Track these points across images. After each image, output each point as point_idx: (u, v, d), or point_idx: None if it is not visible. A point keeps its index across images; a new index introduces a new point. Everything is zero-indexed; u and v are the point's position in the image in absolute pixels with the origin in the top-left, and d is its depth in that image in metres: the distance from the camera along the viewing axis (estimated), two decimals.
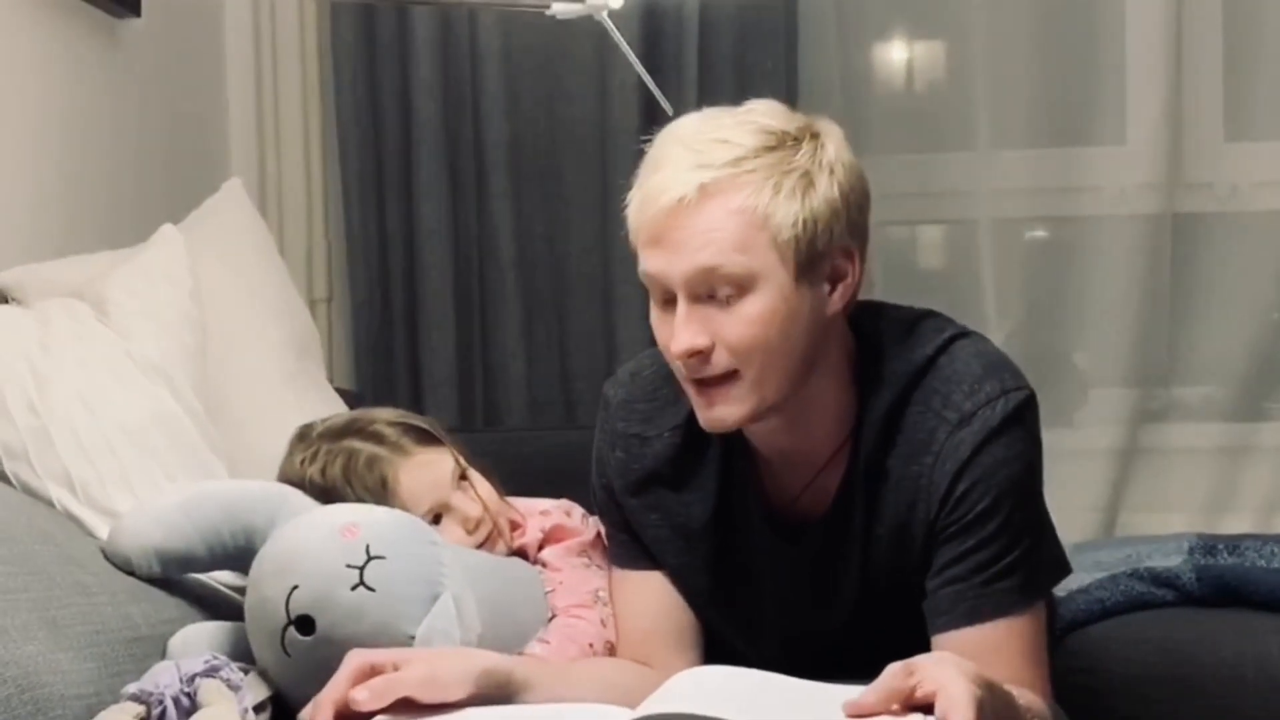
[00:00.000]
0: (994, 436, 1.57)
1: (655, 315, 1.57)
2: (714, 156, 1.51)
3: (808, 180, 1.52)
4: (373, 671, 1.40)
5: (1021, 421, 1.58)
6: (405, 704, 1.40)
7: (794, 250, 1.51)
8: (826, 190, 1.53)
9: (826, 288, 1.56)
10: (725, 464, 1.68)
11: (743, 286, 1.51)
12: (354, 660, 1.41)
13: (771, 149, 1.52)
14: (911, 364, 1.61)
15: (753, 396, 1.55)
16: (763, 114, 1.57)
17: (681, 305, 1.53)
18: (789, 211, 1.50)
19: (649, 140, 1.59)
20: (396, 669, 1.41)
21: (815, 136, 1.55)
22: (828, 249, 1.54)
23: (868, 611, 1.66)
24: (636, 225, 1.55)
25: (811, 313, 1.55)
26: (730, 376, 1.54)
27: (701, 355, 1.53)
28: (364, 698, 1.37)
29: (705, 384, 1.56)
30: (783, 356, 1.54)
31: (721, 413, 1.57)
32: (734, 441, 1.66)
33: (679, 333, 1.53)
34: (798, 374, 1.56)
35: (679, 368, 1.56)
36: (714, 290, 1.52)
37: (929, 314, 1.68)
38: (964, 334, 1.65)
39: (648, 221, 1.53)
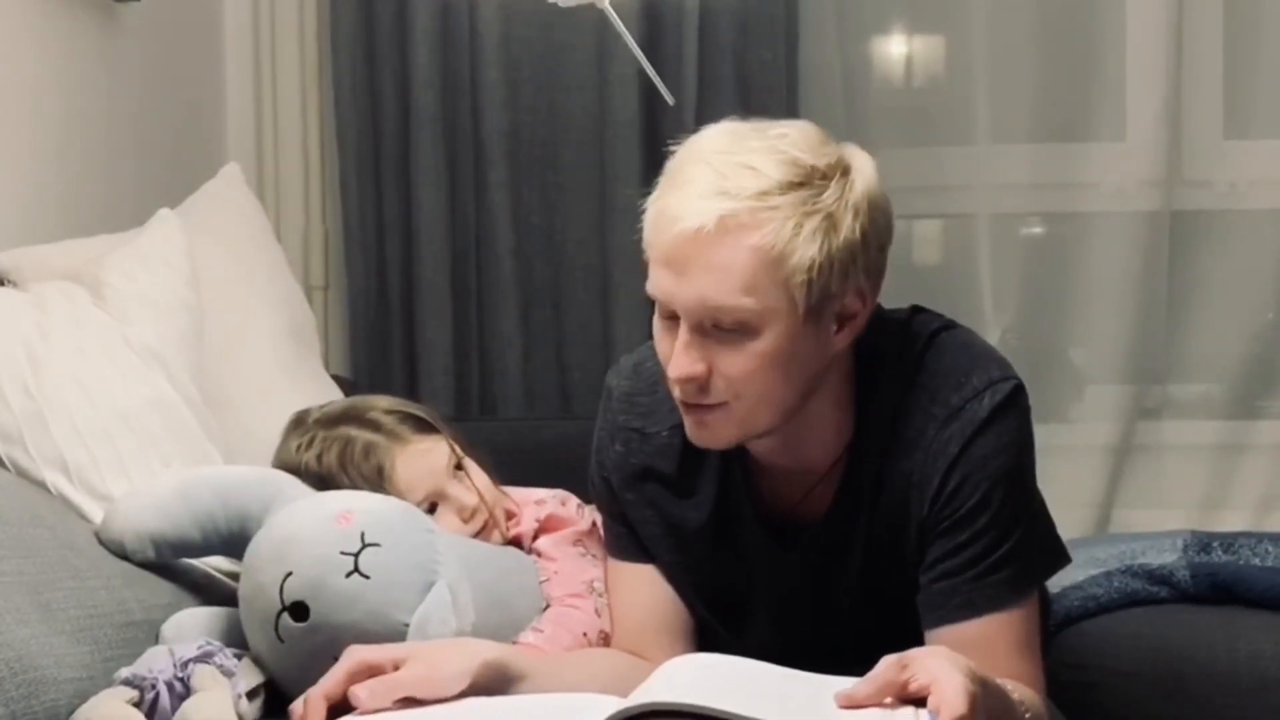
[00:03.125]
0: (982, 429, 1.56)
1: (658, 326, 1.55)
2: (738, 185, 1.46)
3: (831, 223, 1.47)
4: (370, 671, 1.40)
5: (1009, 412, 1.57)
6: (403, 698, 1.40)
7: (805, 293, 1.48)
8: (849, 233, 1.48)
9: (834, 327, 1.54)
10: (724, 469, 1.67)
11: (748, 325, 1.48)
12: (350, 659, 1.41)
13: (798, 186, 1.47)
14: (904, 366, 1.61)
15: (742, 425, 1.55)
16: (794, 143, 1.50)
17: (683, 332, 1.50)
18: (807, 254, 1.46)
19: (674, 143, 1.55)
20: (395, 667, 1.40)
21: (845, 174, 1.50)
22: (841, 291, 1.51)
23: (864, 610, 1.66)
24: (650, 240, 1.52)
25: (814, 351, 1.53)
26: (722, 404, 1.53)
27: (697, 382, 1.52)
28: (365, 696, 1.37)
29: (696, 407, 1.55)
30: (779, 392, 1.53)
31: (709, 435, 1.57)
32: (732, 448, 1.65)
33: (678, 358, 1.51)
34: (793, 406, 1.55)
35: (674, 388, 1.55)
36: (719, 322, 1.49)
37: (916, 310, 1.67)
38: (948, 326, 1.64)
39: (661, 242, 1.49)
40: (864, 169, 1.53)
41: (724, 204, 1.45)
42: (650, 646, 1.70)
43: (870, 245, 1.51)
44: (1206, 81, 2.99)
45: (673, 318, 1.52)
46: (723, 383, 1.51)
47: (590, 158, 2.96)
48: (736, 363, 1.50)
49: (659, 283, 1.51)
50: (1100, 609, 2.18)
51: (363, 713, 1.38)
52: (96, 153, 2.51)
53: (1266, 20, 2.97)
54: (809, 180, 1.48)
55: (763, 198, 1.46)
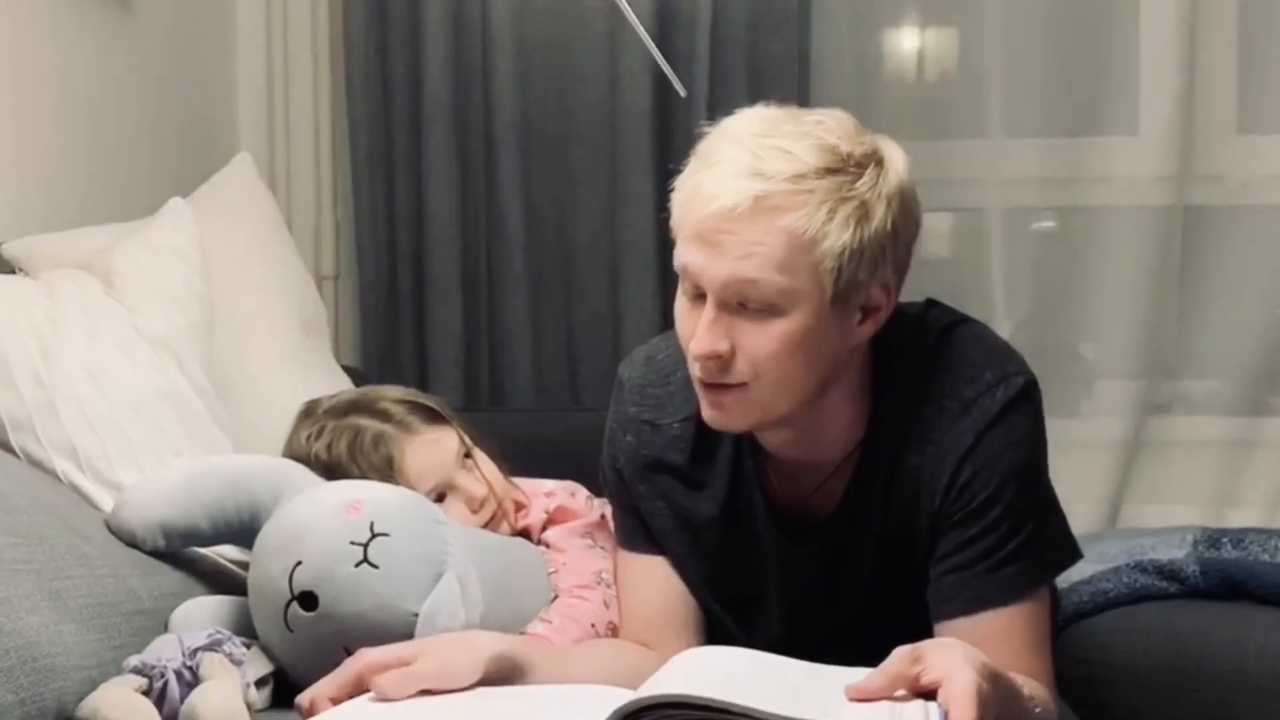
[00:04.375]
0: (995, 423, 1.56)
1: (681, 305, 1.55)
2: (773, 167, 1.46)
3: (864, 211, 1.48)
4: (379, 671, 1.40)
5: (1022, 407, 1.57)
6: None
7: (834, 279, 1.48)
8: (880, 224, 1.49)
9: (857, 317, 1.54)
10: (735, 461, 1.67)
11: (775, 305, 1.48)
12: (359, 661, 1.41)
13: (833, 171, 1.47)
14: (918, 359, 1.60)
15: (760, 408, 1.55)
16: (829, 130, 1.50)
17: (710, 308, 1.50)
18: (838, 241, 1.46)
19: (708, 124, 1.54)
20: (405, 665, 1.40)
21: (880, 164, 1.51)
22: (867, 281, 1.51)
23: (874, 604, 1.66)
24: (680, 218, 1.52)
25: (837, 339, 1.53)
26: (741, 385, 1.53)
27: (720, 360, 1.52)
28: (388, 686, 1.37)
29: (714, 386, 1.55)
30: (799, 377, 1.53)
31: (725, 417, 1.56)
32: (744, 439, 1.65)
33: (701, 334, 1.51)
34: (811, 393, 1.55)
35: (694, 366, 1.55)
36: (746, 301, 1.49)
37: (930, 304, 1.67)
38: (962, 321, 1.64)
39: (694, 220, 1.49)
40: (897, 161, 1.53)
41: (759, 185, 1.46)
42: (659, 638, 1.70)
43: (899, 238, 1.52)
44: (1219, 76, 2.98)
45: (698, 296, 1.52)
46: (745, 362, 1.51)
47: (601, 150, 2.96)
48: (760, 342, 1.50)
49: (688, 258, 1.51)
50: (1109, 604, 2.18)
51: (379, 700, 1.38)
52: (108, 142, 2.52)
53: None
54: (844, 167, 1.48)
55: (798, 180, 1.46)
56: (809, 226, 1.46)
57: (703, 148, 1.53)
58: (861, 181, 1.48)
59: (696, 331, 1.51)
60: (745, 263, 1.47)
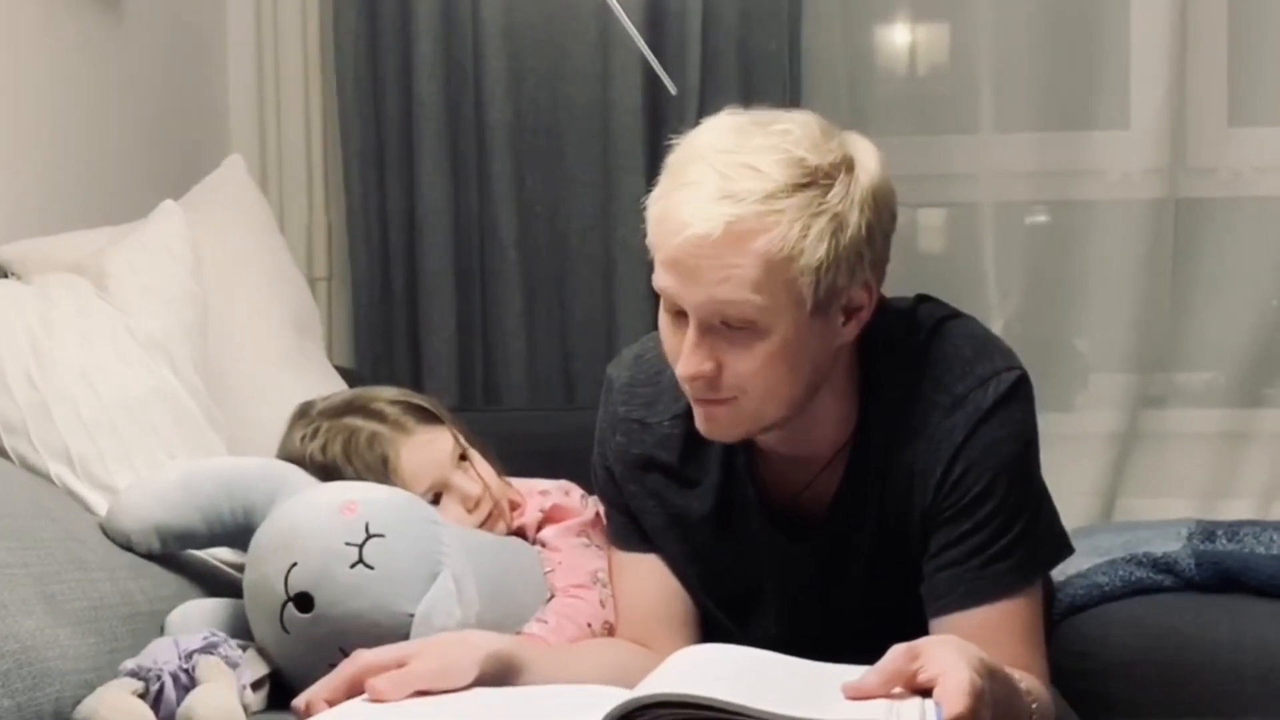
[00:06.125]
0: (986, 418, 1.56)
1: (665, 322, 1.55)
2: (742, 187, 1.45)
3: (838, 223, 1.47)
4: (375, 673, 1.40)
5: (1013, 401, 1.57)
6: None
7: (813, 291, 1.47)
8: (855, 230, 1.48)
9: (841, 320, 1.54)
10: (727, 459, 1.67)
11: (756, 324, 1.48)
12: (354, 664, 1.41)
13: (803, 187, 1.46)
14: (909, 355, 1.60)
15: (751, 419, 1.55)
16: (797, 141, 1.48)
17: (691, 331, 1.50)
18: (814, 256, 1.46)
19: (676, 135, 1.54)
20: (401, 666, 1.40)
21: (850, 170, 1.49)
22: (847, 285, 1.50)
23: (872, 602, 1.66)
24: (655, 242, 1.51)
25: (821, 344, 1.53)
26: (732, 398, 1.53)
27: (707, 379, 1.52)
28: (385, 688, 1.37)
29: (706, 401, 1.55)
30: (786, 387, 1.53)
31: (719, 429, 1.57)
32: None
33: (686, 357, 1.51)
34: (801, 399, 1.55)
35: (683, 384, 1.56)
36: (727, 320, 1.49)
37: (921, 299, 1.67)
38: (953, 316, 1.64)
39: (667, 245, 1.49)
40: (867, 162, 1.52)
41: (729, 209, 1.45)
42: (654, 637, 1.70)
43: (876, 238, 1.51)
44: (1210, 68, 2.99)
45: (680, 314, 1.52)
46: (732, 379, 1.51)
47: (594, 148, 2.96)
48: (745, 360, 1.50)
49: (666, 282, 1.51)
50: (1105, 598, 2.18)
51: (376, 703, 1.38)
52: (99, 145, 2.51)
53: (1271, 6, 2.96)
54: (814, 180, 1.47)
55: (768, 200, 1.45)
56: (783, 246, 1.45)
57: (673, 163, 1.51)
58: (832, 193, 1.47)
59: (682, 354, 1.51)
60: (721, 287, 1.46)
